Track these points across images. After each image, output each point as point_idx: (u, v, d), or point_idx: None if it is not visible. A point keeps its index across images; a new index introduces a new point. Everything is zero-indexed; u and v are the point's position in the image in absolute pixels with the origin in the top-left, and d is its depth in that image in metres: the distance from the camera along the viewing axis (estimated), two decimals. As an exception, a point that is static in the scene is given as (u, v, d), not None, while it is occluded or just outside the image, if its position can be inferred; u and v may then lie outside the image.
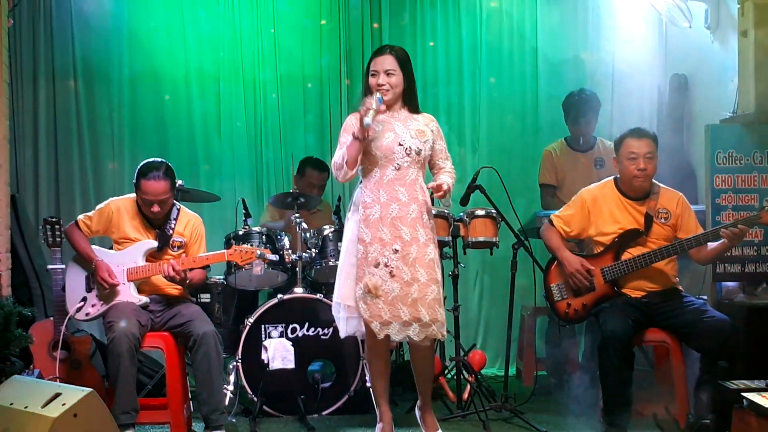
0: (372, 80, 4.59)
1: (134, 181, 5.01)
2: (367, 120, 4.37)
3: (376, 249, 4.49)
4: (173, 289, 5.08)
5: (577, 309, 5.03)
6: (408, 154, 4.53)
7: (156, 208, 4.97)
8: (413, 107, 4.67)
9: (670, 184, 5.13)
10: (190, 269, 5.02)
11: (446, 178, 4.62)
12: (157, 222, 5.07)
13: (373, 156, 4.55)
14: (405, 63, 4.62)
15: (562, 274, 5.07)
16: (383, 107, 4.51)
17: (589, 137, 6.42)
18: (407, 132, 4.57)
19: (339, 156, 4.55)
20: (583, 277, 4.95)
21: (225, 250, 5.09)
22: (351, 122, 4.60)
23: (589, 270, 4.96)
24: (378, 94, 4.49)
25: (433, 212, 5.00)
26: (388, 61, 4.59)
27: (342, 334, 4.69)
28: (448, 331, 4.78)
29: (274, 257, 5.25)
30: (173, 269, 4.87)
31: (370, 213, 4.53)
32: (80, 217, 5.13)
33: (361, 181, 4.65)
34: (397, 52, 4.64)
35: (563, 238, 5.14)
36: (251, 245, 5.45)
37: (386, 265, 4.46)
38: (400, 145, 4.53)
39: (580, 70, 7.20)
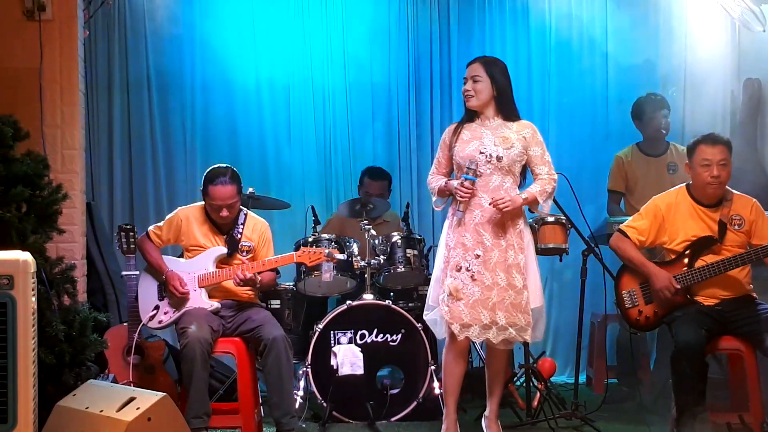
0: (463, 87, 4.74)
1: (201, 187, 5.09)
2: (460, 210, 4.63)
3: (459, 253, 4.59)
4: (243, 293, 5.14)
5: (649, 316, 4.96)
6: (489, 162, 4.59)
7: (224, 213, 5.04)
8: (508, 114, 4.72)
9: (743, 189, 5.03)
10: (260, 272, 5.08)
11: (534, 187, 4.65)
12: (225, 227, 5.14)
13: (458, 164, 4.66)
14: (494, 70, 4.70)
15: (633, 281, 5.00)
16: (471, 187, 4.59)
17: (661, 142, 6.33)
18: (492, 140, 4.61)
19: (433, 181, 4.82)
20: (672, 293, 4.86)
21: (294, 252, 5.13)
22: (445, 138, 4.80)
23: (677, 288, 4.87)
24: (469, 172, 4.58)
25: (550, 219, 5.02)
26: (475, 68, 4.71)
27: (438, 336, 4.78)
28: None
29: (342, 256, 5.29)
30: (243, 276, 4.93)
31: (455, 219, 4.64)
32: (151, 228, 5.23)
33: None
34: (486, 60, 4.78)
35: (637, 247, 5.06)
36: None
37: (468, 270, 4.55)
38: (481, 153, 4.59)
39: (651, 75, 7.10)
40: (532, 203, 4.66)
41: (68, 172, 5.31)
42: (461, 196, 4.60)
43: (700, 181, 4.90)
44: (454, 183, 4.65)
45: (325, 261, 5.23)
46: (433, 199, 4.85)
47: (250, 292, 5.15)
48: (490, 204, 4.54)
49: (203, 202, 5.16)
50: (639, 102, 6.38)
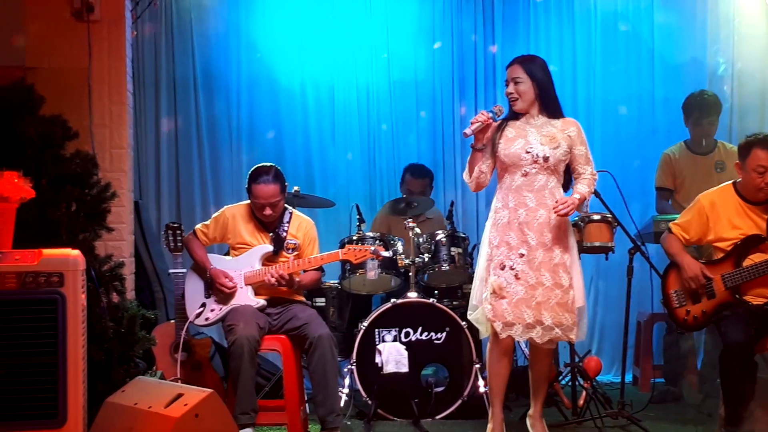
0: (506, 90, 4.70)
1: (246, 186, 5.13)
2: (466, 131, 4.57)
3: (503, 252, 4.56)
4: (286, 290, 5.17)
5: (697, 316, 4.91)
6: (535, 161, 4.55)
7: (268, 211, 5.07)
8: (552, 113, 4.68)
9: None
10: (304, 271, 5.10)
11: (582, 187, 4.61)
12: (270, 225, 5.17)
13: (502, 162, 4.62)
14: (533, 69, 4.65)
15: (681, 280, 4.96)
16: (488, 120, 4.58)
17: (709, 140, 6.26)
18: (538, 139, 4.59)
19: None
20: (700, 283, 4.83)
21: (339, 250, 5.15)
22: (489, 132, 4.71)
23: (708, 277, 4.84)
24: (495, 109, 4.63)
25: (596, 217, 4.99)
26: (515, 70, 4.66)
27: (482, 335, 4.79)
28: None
29: (387, 253, 5.28)
30: (278, 275, 4.96)
31: (499, 218, 4.62)
32: (198, 226, 5.28)
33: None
34: (524, 59, 4.73)
35: (683, 244, 5.03)
36: (365, 247, 5.55)
37: (512, 268, 4.52)
38: (528, 152, 4.56)
39: (699, 72, 7.05)
40: (581, 203, 4.63)
41: (116, 170, 5.38)
42: (473, 120, 4.58)
43: (752, 184, 4.83)
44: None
45: (371, 258, 5.25)
46: (466, 178, 4.74)
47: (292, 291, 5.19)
48: (554, 210, 4.49)
49: (249, 201, 5.20)
50: (690, 100, 6.30)
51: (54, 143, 4.31)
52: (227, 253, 5.28)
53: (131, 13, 5.75)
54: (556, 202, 4.48)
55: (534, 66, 4.67)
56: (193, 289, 5.16)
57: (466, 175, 4.75)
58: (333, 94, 7.21)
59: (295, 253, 5.16)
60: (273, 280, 4.97)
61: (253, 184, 5.06)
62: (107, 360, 4.19)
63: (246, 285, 5.06)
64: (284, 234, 5.16)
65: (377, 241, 5.65)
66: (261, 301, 5.05)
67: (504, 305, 4.49)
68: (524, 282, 4.50)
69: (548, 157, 4.55)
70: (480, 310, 4.64)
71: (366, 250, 5.09)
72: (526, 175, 4.57)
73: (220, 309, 5.05)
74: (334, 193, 6.86)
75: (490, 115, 4.60)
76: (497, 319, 4.50)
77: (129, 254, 5.46)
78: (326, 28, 7.18)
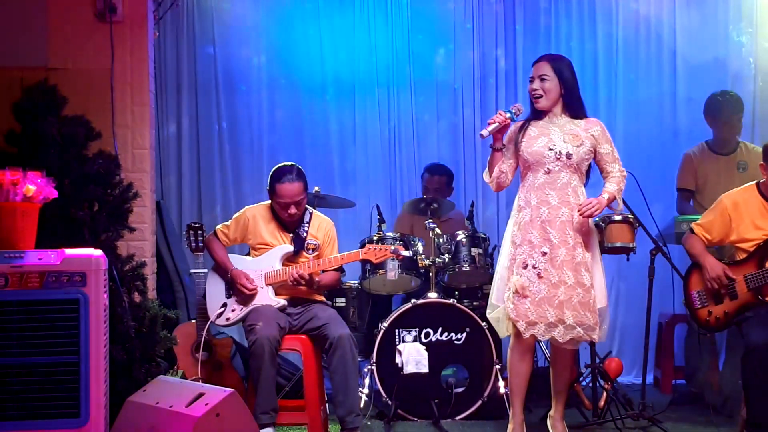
0: (529, 86, 4.69)
1: (268, 187, 5.15)
2: (482, 131, 4.59)
3: (525, 251, 4.55)
4: (306, 290, 5.19)
5: (719, 317, 4.88)
6: (558, 159, 4.54)
7: (292, 210, 5.08)
8: (575, 112, 4.68)
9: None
10: (323, 271, 5.11)
11: (611, 186, 4.61)
12: (291, 225, 5.18)
13: (525, 160, 4.62)
14: (561, 69, 4.65)
15: (703, 281, 4.93)
16: (506, 120, 4.60)
17: (732, 140, 6.23)
18: (561, 137, 4.58)
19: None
20: (722, 284, 4.81)
21: (359, 249, 5.16)
22: (511, 134, 4.73)
23: (730, 277, 4.82)
24: (513, 109, 4.64)
25: (618, 217, 4.99)
26: (543, 67, 4.66)
27: (501, 335, 4.79)
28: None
29: (408, 253, 5.27)
30: (297, 275, 4.97)
31: (521, 216, 4.62)
32: (218, 226, 5.30)
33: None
34: (554, 58, 4.73)
35: (706, 245, 5.01)
36: (386, 247, 5.56)
37: (534, 267, 4.52)
38: (551, 149, 4.55)
39: (721, 72, 7.01)
40: (611, 202, 4.61)
41: (138, 171, 5.40)
42: (490, 120, 4.60)
43: None
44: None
45: (391, 259, 5.25)
46: (486, 178, 4.76)
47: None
48: (578, 212, 4.49)
49: (269, 201, 5.22)
50: (713, 100, 6.27)
51: (77, 143, 4.35)
52: (248, 254, 5.30)
53: (153, 14, 5.78)
54: (580, 204, 4.47)
55: (561, 64, 4.68)
56: (214, 289, 5.18)
57: (486, 175, 4.76)
58: (354, 93, 7.21)
59: (315, 253, 5.17)
60: (292, 280, 4.98)
61: (277, 184, 5.07)
62: (129, 359, 4.22)
63: (266, 285, 5.08)
64: (305, 234, 5.17)
65: (397, 242, 5.65)
66: (281, 302, 5.06)
67: (527, 304, 4.49)
68: (547, 281, 4.49)
69: (571, 155, 4.54)
70: (500, 309, 4.64)
71: (386, 249, 5.09)
72: (548, 172, 4.57)
73: (241, 309, 5.07)
74: (354, 194, 6.87)
75: (508, 115, 4.61)
76: (520, 318, 4.49)
77: (151, 254, 5.48)
78: (347, 29, 7.18)
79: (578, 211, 4.47)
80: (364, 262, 5.54)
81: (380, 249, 5.10)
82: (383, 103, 7.23)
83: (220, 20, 7.06)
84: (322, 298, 5.31)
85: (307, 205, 5.31)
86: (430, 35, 7.25)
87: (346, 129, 7.23)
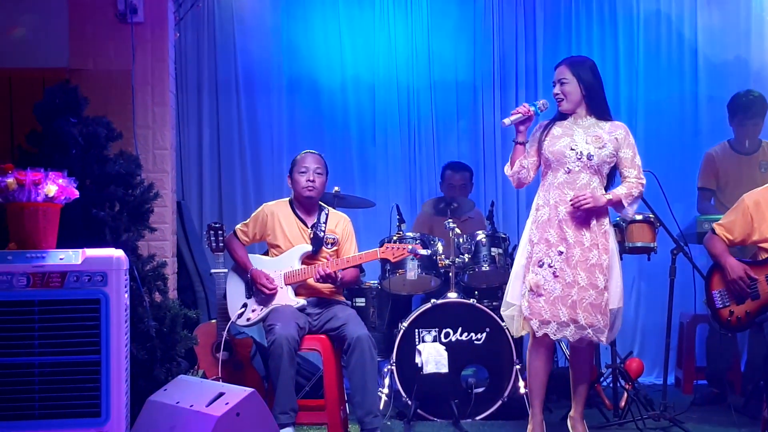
0: (553, 90, 4.70)
1: (289, 172, 5.24)
2: (504, 120, 4.65)
3: (542, 249, 4.55)
4: (327, 289, 5.19)
5: (740, 317, 4.86)
6: (579, 159, 4.54)
7: (311, 176, 5.14)
8: (600, 114, 4.68)
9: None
10: (344, 269, 5.13)
11: (620, 189, 4.59)
12: (310, 207, 5.23)
13: (546, 159, 4.63)
14: (580, 70, 4.64)
15: (724, 281, 4.91)
16: (530, 112, 4.63)
17: (754, 140, 6.20)
18: (584, 138, 4.58)
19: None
20: (745, 284, 4.79)
21: (377, 249, 5.16)
22: (534, 132, 4.75)
23: (752, 277, 4.79)
24: (538, 103, 4.67)
25: (638, 217, 4.99)
26: (562, 71, 4.66)
27: (515, 334, 4.77)
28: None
29: (425, 252, 5.26)
30: (324, 272, 4.98)
31: (540, 215, 4.62)
32: (238, 226, 5.32)
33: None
34: (572, 61, 4.74)
35: (727, 245, 4.98)
36: (405, 246, 5.57)
37: (550, 266, 4.51)
38: (572, 149, 4.55)
39: (743, 71, 6.98)
40: (617, 205, 4.58)
41: (159, 171, 5.43)
42: (514, 111, 4.63)
43: None
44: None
45: (410, 258, 5.25)
46: (507, 171, 4.76)
47: (334, 289, 5.20)
48: (570, 201, 4.50)
49: (288, 198, 5.27)
50: (736, 99, 6.23)
51: (98, 144, 4.36)
52: (266, 253, 5.31)
53: (174, 15, 5.80)
54: (574, 196, 4.47)
55: (582, 68, 4.66)
56: (235, 289, 5.20)
57: (507, 168, 4.75)
58: (374, 94, 7.22)
59: (335, 248, 5.19)
60: (319, 278, 4.99)
61: (297, 157, 5.21)
62: (150, 359, 4.23)
63: (286, 285, 5.09)
64: (322, 234, 5.20)
65: (417, 241, 5.65)
66: (301, 301, 5.07)
67: (541, 303, 4.49)
68: (561, 280, 4.49)
69: (592, 156, 4.53)
70: (515, 308, 4.63)
71: (404, 248, 5.09)
72: (569, 172, 4.56)
73: (261, 309, 5.08)
74: (374, 194, 6.88)
75: (533, 109, 4.62)
76: (534, 316, 4.49)
77: (172, 254, 5.51)
78: (367, 29, 7.19)
79: (570, 201, 4.47)
80: (384, 261, 5.55)
81: (398, 248, 5.10)
82: (403, 103, 7.23)
83: (241, 21, 7.08)
84: (343, 299, 5.32)
85: (324, 204, 5.32)
86: (450, 34, 7.24)
87: (365, 129, 7.24)
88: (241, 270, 5.19)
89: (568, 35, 7.20)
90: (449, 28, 7.24)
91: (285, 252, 5.16)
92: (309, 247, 5.14)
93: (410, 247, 5.11)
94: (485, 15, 7.22)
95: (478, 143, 7.24)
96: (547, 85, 4.95)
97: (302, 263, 5.11)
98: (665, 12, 7.17)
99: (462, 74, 7.27)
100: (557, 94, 4.65)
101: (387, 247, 5.12)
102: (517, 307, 4.61)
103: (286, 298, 5.08)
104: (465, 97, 7.28)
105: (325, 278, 5.00)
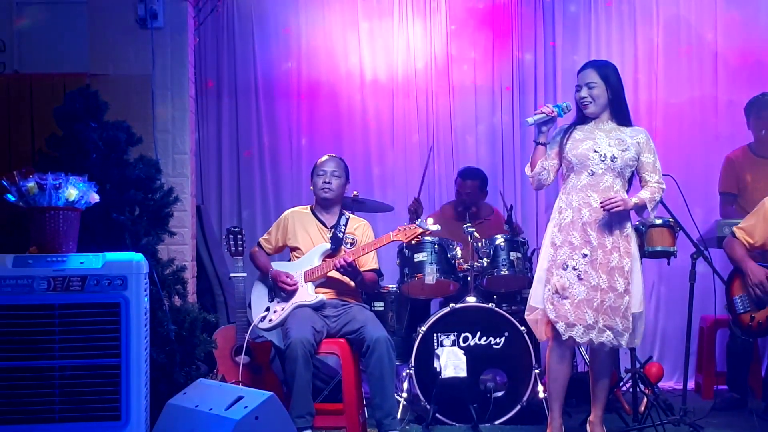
0: (576, 94, 4.70)
1: (310, 177, 5.36)
2: (527, 119, 4.68)
3: (566, 252, 4.56)
4: (347, 286, 5.23)
5: (761, 322, 4.84)
6: (603, 161, 4.55)
7: (327, 178, 5.24)
8: (621, 119, 4.69)
9: None
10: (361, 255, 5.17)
11: (644, 193, 4.60)
12: (329, 208, 5.31)
13: (569, 162, 4.62)
14: (608, 76, 4.65)
15: (745, 286, 4.88)
16: (552, 113, 4.64)
17: (774, 143, 6.17)
18: (607, 141, 4.58)
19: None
20: (765, 289, 4.76)
21: (390, 232, 5.14)
22: (555, 136, 4.75)
23: None
24: (562, 105, 4.68)
25: (658, 221, 5.01)
26: (589, 75, 4.65)
27: (540, 338, 4.78)
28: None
29: (436, 227, 5.12)
30: (343, 261, 5.00)
31: (562, 218, 4.62)
32: (261, 237, 5.43)
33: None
34: (600, 65, 4.73)
35: (748, 249, 4.95)
36: (423, 254, 5.58)
37: (575, 269, 4.52)
38: (596, 152, 4.56)
39: (763, 74, 6.92)
40: (641, 209, 4.59)
41: (179, 175, 5.46)
42: (536, 111, 4.67)
43: None
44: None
45: (427, 263, 5.25)
46: (528, 172, 4.76)
47: (354, 292, 5.23)
48: (600, 204, 4.48)
49: (310, 205, 5.34)
50: (753, 102, 6.21)
51: (118, 148, 4.39)
52: (289, 259, 5.35)
53: (194, 20, 5.83)
54: (603, 198, 4.46)
55: (608, 71, 4.67)
56: (258, 296, 5.28)
57: (528, 169, 4.76)
58: (392, 98, 7.22)
59: (354, 248, 5.22)
60: (338, 267, 5.02)
61: (318, 161, 5.33)
62: (169, 362, 4.26)
63: (306, 282, 5.12)
64: (341, 234, 5.25)
65: (435, 246, 5.65)
66: (320, 296, 5.10)
67: (566, 306, 4.49)
68: (586, 282, 4.49)
69: (616, 158, 4.53)
70: (539, 312, 4.63)
71: (416, 228, 5.05)
72: (593, 174, 4.57)
73: (282, 309, 5.11)
74: (392, 198, 6.87)
75: (557, 110, 4.62)
76: (560, 319, 4.49)
77: (191, 258, 5.53)
78: (386, 34, 7.19)
79: (600, 203, 4.46)
80: (402, 266, 5.61)
81: (410, 228, 5.08)
82: (422, 107, 7.22)
83: (260, 25, 7.10)
84: (361, 301, 5.34)
85: (345, 211, 5.37)
86: (469, 39, 7.23)
87: (384, 133, 7.23)
88: (264, 275, 5.24)
89: (587, 39, 7.17)
90: (468, 32, 7.23)
91: (305, 254, 5.19)
92: (328, 246, 5.18)
93: (419, 221, 5.11)
94: (503, 18, 7.20)
95: (497, 148, 7.22)
96: (565, 88, 4.93)
97: (322, 262, 5.14)
98: (685, 15, 7.14)
99: (480, 78, 7.25)
100: (584, 97, 4.64)
101: (399, 230, 5.10)
102: (541, 310, 4.60)
103: (305, 294, 5.11)
104: (484, 101, 7.26)
105: (345, 268, 5.01)
